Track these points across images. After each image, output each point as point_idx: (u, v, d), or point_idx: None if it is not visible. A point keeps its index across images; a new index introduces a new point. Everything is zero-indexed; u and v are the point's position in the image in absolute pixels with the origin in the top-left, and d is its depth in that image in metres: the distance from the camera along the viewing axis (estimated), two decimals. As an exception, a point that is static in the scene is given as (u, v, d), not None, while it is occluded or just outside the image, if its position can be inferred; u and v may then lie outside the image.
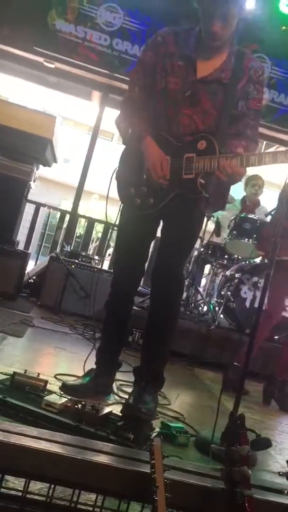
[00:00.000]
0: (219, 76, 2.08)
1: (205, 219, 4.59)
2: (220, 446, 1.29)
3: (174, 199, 2.12)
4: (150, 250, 2.42)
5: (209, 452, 1.80)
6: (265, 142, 7.24)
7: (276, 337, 4.30)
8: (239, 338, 3.84)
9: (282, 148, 7.13)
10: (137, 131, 2.16)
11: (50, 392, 1.99)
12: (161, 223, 2.26)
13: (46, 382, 2.04)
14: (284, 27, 5.33)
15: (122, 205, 2.25)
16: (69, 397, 1.96)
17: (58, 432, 1.41)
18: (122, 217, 2.27)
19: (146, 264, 2.42)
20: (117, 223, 2.32)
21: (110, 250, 6.69)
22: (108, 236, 6.67)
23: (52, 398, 1.90)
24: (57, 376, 2.36)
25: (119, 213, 2.28)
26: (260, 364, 3.97)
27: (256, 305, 4.10)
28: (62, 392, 2.06)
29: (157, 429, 2.02)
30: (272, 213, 4.31)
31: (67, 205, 7.57)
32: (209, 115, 2.09)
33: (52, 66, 5.77)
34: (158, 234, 2.31)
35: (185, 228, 2.20)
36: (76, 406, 1.88)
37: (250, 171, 5.22)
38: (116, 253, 2.36)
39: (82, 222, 8.88)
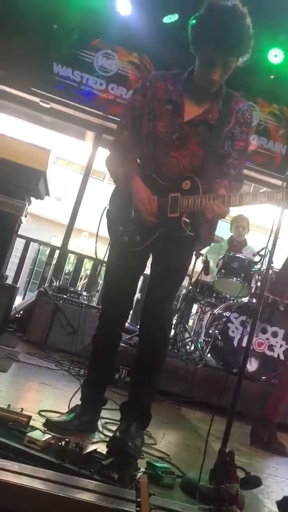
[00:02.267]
0: (206, 117, 2.14)
1: (194, 257, 4.67)
2: (208, 485, 1.26)
3: (161, 237, 2.15)
4: (139, 284, 2.44)
5: (196, 494, 1.76)
6: (253, 185, 7.41)
7: (263, 377, 4.28)
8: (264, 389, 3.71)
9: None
10: (126, 172, 2.21)
11: (34, 429, 1.94)
12: (151, 258, 2.28)
13: (29, 418, 1.99)
14: (272, 76, 5.58)
15: (110, 241, 2.28)
16: (52, 434, 1.91)
17: (40, 468, 1.37)
18: (111, 252, 2.30)
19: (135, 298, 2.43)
20: (106, 259, 2.34)
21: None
22: (97, 273, 6.68)
23: (35, 434, 1.85)
24: (41, 412, 2.30)
25: (108, 247, 2.30)
26: (245, 405, 3.91)
27: (244, 344, 4.10)
28: (45, 429, 2.01)
29: (142, 469, 1.97)
30: (261, 252, 4.39)
31: (57, 242, 7.58)
32: (196, 157, 2.15)
33: (48, 106, 5.92)
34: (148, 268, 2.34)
35: (174, 264, 2.22)
36: (60, 443, 1.83)
37: (235, 211, 5.32)
38: (104, 287, 2.37)
39: (72, 259, 8.91)
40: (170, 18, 5.31)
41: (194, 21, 2.02)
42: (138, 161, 2.25)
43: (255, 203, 2.00)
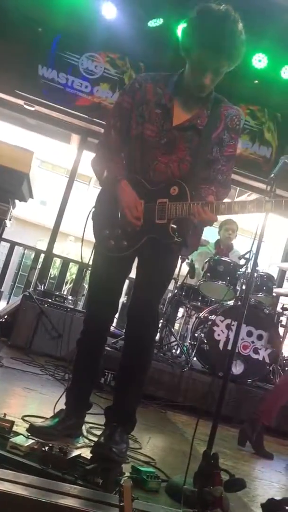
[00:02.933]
0: (195, 122, 2.12)
1: (180, 260, 4.67)
2: (191, 488, 1.24)
3: (148, 242, 2.14)
4: (124, 288, 2.43)
5: (181, 498, 1.74)
6: (238, 189, 7.45)
7: (248, 380, 4.29)
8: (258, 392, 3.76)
9: (254, 196, 7.37)
10: (113, 175, 2.18)
11: (17, 434, 1.91)
12: (136, 261, 2.27)
13: (12, 423, 1.96)
14: (256, 81, 5.63)
15: (96, 244, 2.26)
16: (36, 439, 1.88)
17: (22, 474, 1.35)
18: (96, 255, 2.28)
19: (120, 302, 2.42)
20: (91, 262, 2.32)
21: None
22: (83, 277, 6.65)
23: (18, 440, 1.81)
24: (25, 418, 2.27)
25: (93, 250, 2.28)
26: (230, 408, 3.92)
27: (229, 347, 4.10)
28: (29, 434, 1.98)
29: (127, 474, 1.95)
30: (246, 256, 4.40)
31: (43, 246, 7.54)
32: (185, 162, 2.13)
33: (32, 108, 5.89)
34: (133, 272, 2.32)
35: (160, 269, 2.22)
36: (43, 449, 1.80)
37: (226, 215, 5.35)
38: (89, 290, 2.35)
39: (57, 264, 8.85)
40: (155, 22, 5.32)
41: (185, 25, 2.01)
42: (124, 162, 2.24)
43: (244, 212, 1.99)
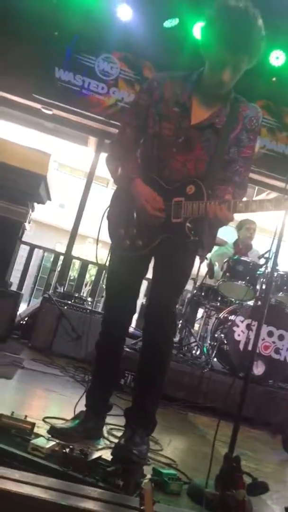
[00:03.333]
0: (213, 121, 2.10)
1: (199, 261, 4.63)
2: (213, 491, 1.23)
3: (164, 242, 2.12)
4: (142, 289, 2.42)
5: (203, 501, 1.72)
6: (257, 187, 7.38)
7: (270, 381, 4.23)
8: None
9: (272, 195, 7.29)
10: (127, 173, 2.17)
11: (37, 436, 1.91)
12: (153, 260, 2.26)
13: (33, 425, 1.96)
14: (274, 78, 5.57)
15: (112, 244, 2.26)
16: (57, 441, 1.88)
17: (42, 476, 1.34)
18: (113, 256, 2.27)
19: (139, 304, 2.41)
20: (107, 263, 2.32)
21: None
22: (102, 279, 6.66)
23: (39, 441, 1.82)
24: (46, 419, 2.28)
25: (110, 251, 2.28)
26: (251, 409, 3.87)
27: (250, 347, 4.06)
28: (49, 436, 1.99)
29: (149, 476, 1.94)
30: (265, 255, 4.35)
31: (62, 249, 7.58)
32: (201, 161, 2.11)
33: (50, 112, 5.93)
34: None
35: (177, 268, 2.19)
36: (64, 451, 1.80)
37: (243, 215, 5.30)
38: (106, 291, 2.34)
39: (76, 266, 8.90)
40: (171, 23, 5.31)
41: (205, 21, 2.00)
42: (139, 161, 2.23)
43: (262, 211, 1.96)
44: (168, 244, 2.12)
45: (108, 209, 2.28)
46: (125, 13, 5.45)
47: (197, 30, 5.28)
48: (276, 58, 5.43)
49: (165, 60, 5.39)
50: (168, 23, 5.32)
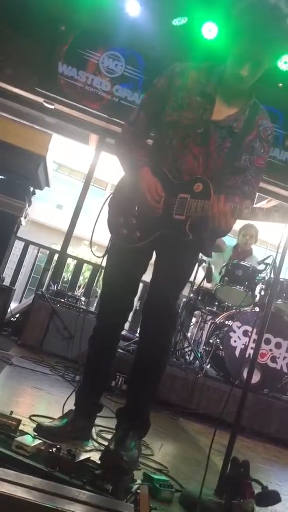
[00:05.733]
0: (232, 124, 2.03)
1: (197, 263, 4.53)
2: (215, 499, 1.11)
3: (163, 238, 2.03)
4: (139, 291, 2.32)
5: (196, 510, 1.61)
6: (257, 194, 7.30)
7: (265, 390, 4.13)
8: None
9: (273, 203, 7.18)
10: (135, 160, 2.09)
11: (23, 433, 1.80)
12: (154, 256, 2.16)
13: (19, 421, 1.85)
14: (281, 84, 5.50)
15: (111, 235, 2.16)
16: (43, 440, 1.77)
17: (26, 475, 1.23)
18: (111, 248, 2.18)
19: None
20: (106, 258, 2.22)
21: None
22: (96, 279, 6.55)
23: (24, 439, 1.71)
24: (32, 417, 2.16)
25: (108, 244, 2.18)
26: (245, 418, 3.76)
27: (247, 355, 3.96)
28: (36, 434, 1.87)
29: (139, 481, 1.82)
30: (265, 261, 4.26)
31: (57, 249, 7.47)
32: (213, 159, 2.04)
33: (52, 107, 5.83)
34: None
35: (177, 264, 2.11)
36: (50, 450, 1.69)
37: (242, 222, 5.20)
38: (103, 285, 2.24)
39: (70, 267, 8.76)
40: (179, 21, 5.23)
41: (233, 13, 1.94)
42: (151, 148, 2.13)
43: (267, 221, 1.89)
44: (168, 240, 2.04)
45: (111, 195, 2.18)
46: (133, 9, 5.36)
47: (206, 30, 5.20)
48: (285, 63, 5.36)
49: (172, 59, 5.29)
50: (176, 21, 5.24)
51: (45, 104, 5.78)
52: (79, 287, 9.54)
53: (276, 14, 1.86)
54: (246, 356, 3.84)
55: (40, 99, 5.74)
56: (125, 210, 2.11)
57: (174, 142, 2.06)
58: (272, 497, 1.42)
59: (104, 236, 2.19)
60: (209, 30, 5.18)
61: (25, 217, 4.58)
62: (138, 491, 1.06)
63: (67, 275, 10.54)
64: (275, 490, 1.45)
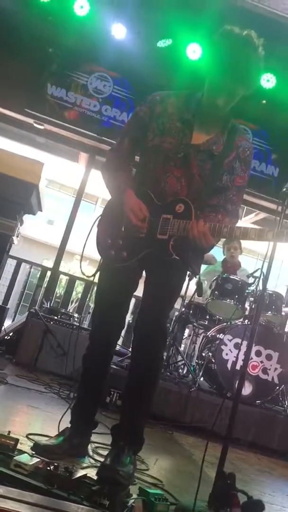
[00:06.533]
0: (211, 147, 2.13)
1: (187, 279, 4.61)
2: (208, 511, 1.18)
3: (149, 257, 2.12)
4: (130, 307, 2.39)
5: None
6: (245, 208, 7.44)
7: (257, 402, 4.19)
8: None
9: (261, 216, 7.30)
10: (119, 184, 2.19)
11: (21, 452, 1.85)
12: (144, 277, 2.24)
13: (16, 441, 1.90)
14: (264, 101, 5.66)
15: (100, 255, 2.24)
16: (41, 458, 1.82)
17: (27, 492, 1.29)
18: (101, 269, 2.26)
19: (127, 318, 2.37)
20: (97, 277, 2.29)
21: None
22: (89, 295, 6.60)
23: (22, 458, 1.76)
24: (29, 436, 2.21)
25: (99, 265, 2.26)
26: (238, 430, 3.82)
27: (237, 367, 4.03)
28: (33, 452, 1.92)
29: (135, 495, 1.88)
30: (254, 274, 4.35)
31: (49, 265, 7.52)
32: (195, 181, 2.13)
33: (42, 127, 5.94)
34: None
35: (165, 283, 2.18)
36: (48, 468, 1.75)
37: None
38: (95, 304, 2.32)
39: (63, 282, 8.82)
40: (164, 43, 5.39)
41: (209, 45, 2.05)
42: (134, 173, 2.23)
43: (245, 239, 2.03)
44: (156, 260, 2.12)
45: (99, 218, 2.27)
46: (119, 32, 5.52)
47: (190, 51, 5.36)
48: (267, 81, 5.53)
49: (158, 79, 5.45)
50: (161, 43, 5.40)
51: (35, 125, 5.88)
52: (72, 302, 9.57)
53: (249, 51, 1.96)
54: (237, 368, 3.91)
55: (30, 120, 5.84)
56: (112, 232, 2.19)
57: (157, 166, 2.15)
58: (257, 506, 1.49)
59: (96, 251, 2.26)
60: (193, 51, 5.35)
61: (17, 236, 4.64)
62: (134, 505, 1.12)
63: (59, 290, 10.58)
64: (260, 499, 1.51)
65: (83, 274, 2.38)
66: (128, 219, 2.11)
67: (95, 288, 2.38)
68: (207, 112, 2.11)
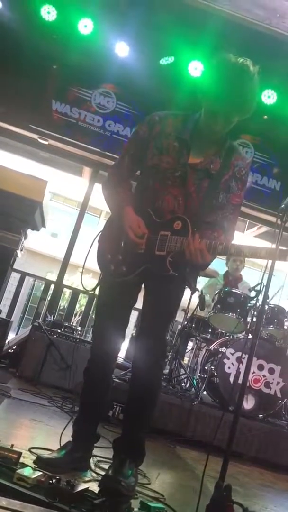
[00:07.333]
0: (208, 166, 2.18)
1: (190, 292, 4.64)
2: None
3: (148, 272, 2.16)
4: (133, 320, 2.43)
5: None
6: (248, 221, 7.48)
7: (260, 415, 4.18)
8: None
9: (263, 229, 7.33)
10: (119, 202, 2.24)
11: (24, 466, 1.88)
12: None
13: (19, 454, 1.93)
14: (265, 116, 5.73)
15: (100, 270, 2.29)
16: (43, 472, 1.85)
17: (30, 504, 1.31)
18: (102, 283, 2.30)
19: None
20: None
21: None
22: (92, 308, 6.63)
23: (25, 471, 1.78)
24: (32, 449, 2.23)
25: (99, 279, 2.30)
26: (241, 444, 3.81)
27: (240, 380, 4.02)
28: (36, 466, 1.95)
29: (136, 509, 1.90)
30: (256, 288, 4.38)
31: (53, 278, 7.57)
32: (192, 199, 2.18)
33: (46, 142, 6.03)
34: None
35: (164, 297, 2.22)
36: (50, 481, 1.77)
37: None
38: (95, 318, 2.35)
39: (66, 295, 8.85)
40: (167, 60, 5.50)
41: (206, 70, 2.10)
42: (134, 190, 2.28)
43: (239, 256, 2.06)
44: (153, 274, 2.16)
45: (100, 233, 2.33)
46: (122, 50, 5.63)
47: (192, 68, 5.46)
48: (268, 97, 5.62)
49: (160, 96, 5.55)
50: (163, 61, 5.50)
51: (40, 140, 5.97)
52: (75, 314, 9.60)
53: (245, 79, 2.00)
54: (239, 382, 3.91)
55: (34, 135, 5.93)
56: (112, 247, 2.24)
57: (155, 184, 2.20)
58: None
59: (96, 258, 2.31)
60: (195, 68, 5.46)
61: (21, 250, 4.69)
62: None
63: (63, 303, 10.61)
64: (254, 510, 1.53)
65: (84, 287, 2.42)
66: (127, 235, 2.15)
67: (96, 301, 2.41)
68: (204, 134, 2.16)
